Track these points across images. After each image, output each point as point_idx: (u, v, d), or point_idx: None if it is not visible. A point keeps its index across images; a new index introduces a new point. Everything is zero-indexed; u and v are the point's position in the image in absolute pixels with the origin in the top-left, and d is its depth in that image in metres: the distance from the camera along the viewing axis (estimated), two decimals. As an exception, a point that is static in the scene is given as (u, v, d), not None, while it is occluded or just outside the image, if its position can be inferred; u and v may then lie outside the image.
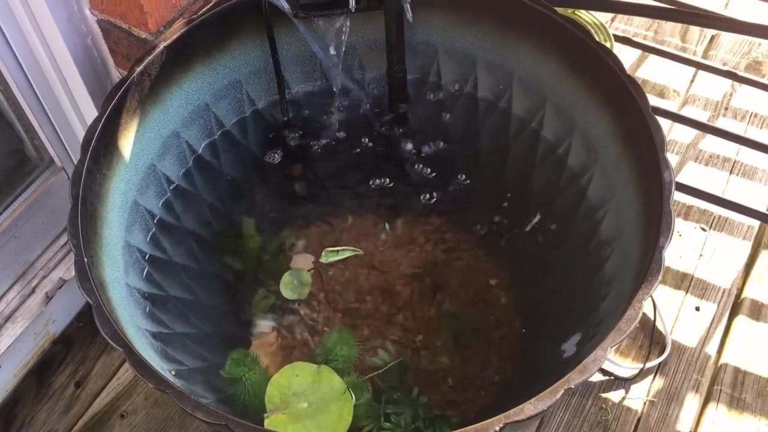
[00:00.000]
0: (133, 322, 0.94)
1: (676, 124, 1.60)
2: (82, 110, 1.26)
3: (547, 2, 1.09)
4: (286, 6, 1.12)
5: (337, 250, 1.19)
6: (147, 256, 1.08)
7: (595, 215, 1.09)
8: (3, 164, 1.31)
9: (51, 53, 1.17)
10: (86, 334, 1.38)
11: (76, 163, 0.95)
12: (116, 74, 1.23)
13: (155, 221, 1.13)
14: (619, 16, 1.86)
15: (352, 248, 1.20)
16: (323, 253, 1.19)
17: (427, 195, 1.23)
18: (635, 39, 1.50)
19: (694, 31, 1.85)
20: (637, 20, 1.87)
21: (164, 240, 1.14)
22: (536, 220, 1.20)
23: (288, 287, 1.16)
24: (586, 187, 1.12)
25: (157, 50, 1.07)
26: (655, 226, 0.87)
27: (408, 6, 1.08)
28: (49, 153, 1.32)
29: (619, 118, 1.03)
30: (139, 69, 1.05)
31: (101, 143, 0.99)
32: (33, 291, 1.32)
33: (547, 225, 1.18)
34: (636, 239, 0.95)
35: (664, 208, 0.87)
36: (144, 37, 1.13)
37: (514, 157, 1.25)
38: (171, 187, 1.17)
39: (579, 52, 1.07)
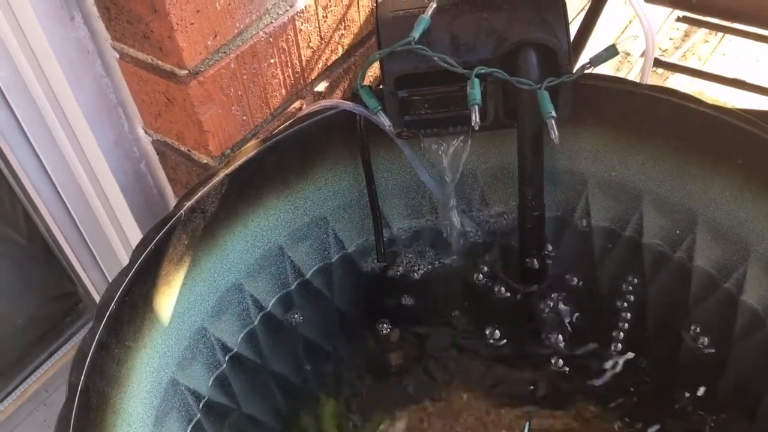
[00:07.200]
0: None
1: None
2: (135, 250, 1.02)
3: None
4: (387, 123, 0.85)
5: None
6: (185, 458, 0.79)
7: None
8: (40, 312, 1.08)
9: (97, 182, 0.94)
10: None
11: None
12: (176, 207, 0.99)
13: (201, 405, 0.84)
14: None
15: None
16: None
17: (580, 385, 0.88)
18: None
19: None
20: None
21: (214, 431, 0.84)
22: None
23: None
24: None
25: (216, 179, 0.81)
26: None
27: (553, 122, 0.78)
28: (96, 300, 1.08)
29: None
30: (188, 204, 0.79)
31: (126, 305, 0.73)
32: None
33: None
34: None
35: None
36: (205, 162, 0.88)
37: (699, 328, 0.88)
38: (227, 357, 0.89)
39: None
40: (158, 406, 0.78)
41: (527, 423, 0.86)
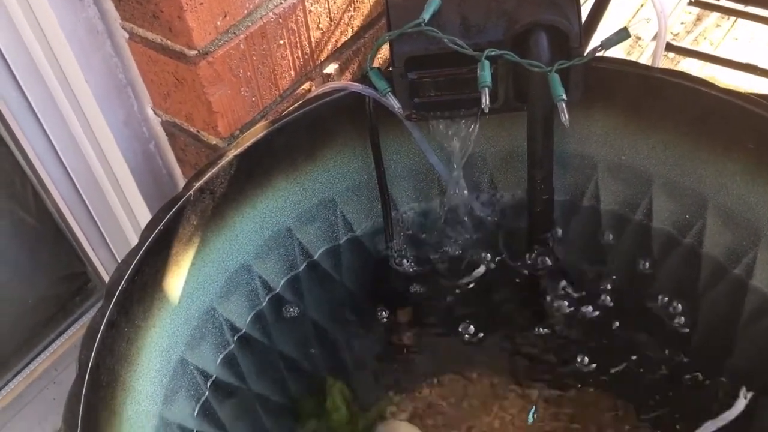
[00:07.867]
0: None
1: None
2: (144, 231, 1.03)
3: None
4: (396, 105, 0.85)
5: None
6: (193, 435, 0.80)
7: None
8: (50, 291, 1.08)
9: (107, 162, 0.94)
10: None
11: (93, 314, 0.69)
12: (185, 188, 0.99)
13: (209, 384, 0.85)
14: None
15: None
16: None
17: (587, 367, 0.88)
18: None
19: None
20: None
21: (221, 410, 0.85)
22: (744, 403, 0.82)
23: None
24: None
25: (224, 160, 0.81)
26: None
27: (564, 105, 0.77)
28: (105, 280, 1.09)
29: None
30: (197, 185, 0.79)
31: (136, 285, 0.73)
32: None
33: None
34: None
35: None
36: (214, 143, 0.88)
37: (708, 315, 0.89)
38: (235, 337, 0.89)
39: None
40: (167, 384, 0.78)
41: (533, 407, 0.86)
